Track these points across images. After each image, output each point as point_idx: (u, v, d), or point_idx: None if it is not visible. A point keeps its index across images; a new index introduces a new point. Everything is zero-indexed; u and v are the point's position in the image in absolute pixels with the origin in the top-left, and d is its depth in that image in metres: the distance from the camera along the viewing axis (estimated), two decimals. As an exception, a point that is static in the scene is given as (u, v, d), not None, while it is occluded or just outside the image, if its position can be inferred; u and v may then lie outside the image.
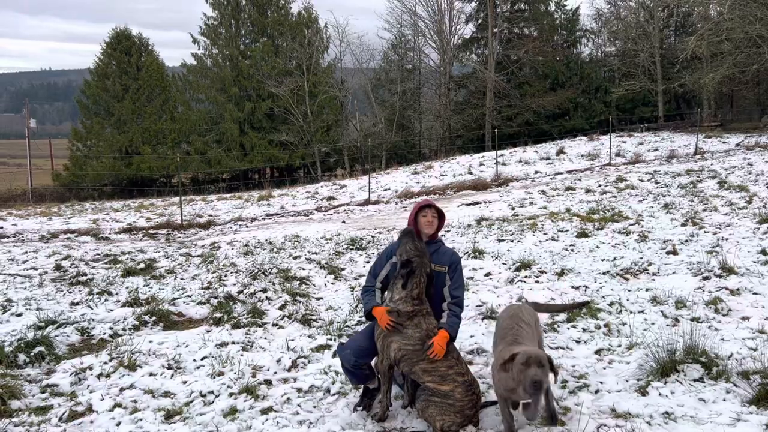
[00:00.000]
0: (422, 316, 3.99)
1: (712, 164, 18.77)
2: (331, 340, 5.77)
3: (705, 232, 9.84)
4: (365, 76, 42.84)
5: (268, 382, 4.86)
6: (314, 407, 4.41)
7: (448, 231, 11.63)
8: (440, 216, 4.33)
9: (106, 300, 7.53)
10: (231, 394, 4.63)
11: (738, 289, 6.50)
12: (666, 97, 38.65)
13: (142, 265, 9.78)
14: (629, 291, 6.88)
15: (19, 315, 6.83)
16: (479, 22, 42.27)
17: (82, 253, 11.25)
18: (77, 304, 7.38)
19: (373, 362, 4.29)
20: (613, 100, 39.27)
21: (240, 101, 41.02)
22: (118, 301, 7.43)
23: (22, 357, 5.41)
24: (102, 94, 40.37)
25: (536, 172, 21.68)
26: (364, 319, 6.33)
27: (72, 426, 4.24)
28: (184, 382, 4.92)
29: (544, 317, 5.94)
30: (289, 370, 5.13)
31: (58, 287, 8.38)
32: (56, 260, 10.37)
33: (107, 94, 40.29)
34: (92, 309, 7.11)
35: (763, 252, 8.11)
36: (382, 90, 43.71)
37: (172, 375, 5.08)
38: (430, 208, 4.28)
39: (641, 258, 8.31)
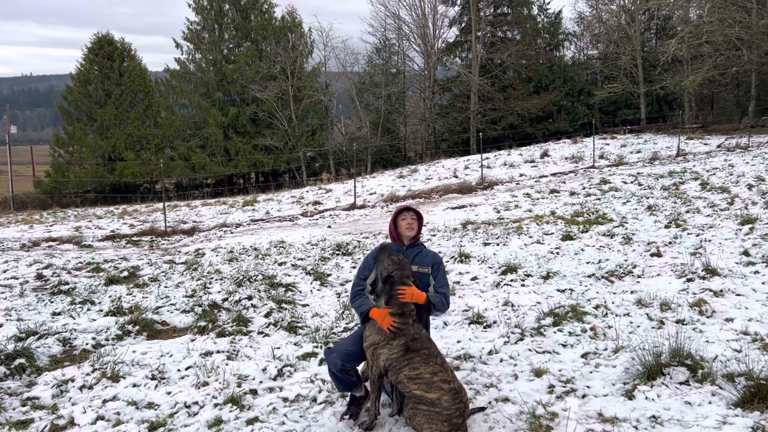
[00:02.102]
0: (409, 325, 3.98)
1: (694, 166, 18.97)
2: (317, 347, 5.71)
3: (688, 233, 9.93)
4: (350, 80, 42.90)
5: (254, 392, 4.80)
6: (301, 417, 4.37)
7: (434, 235, 11.63)
8: (419, 219, 4.39)
9: (88, 309, 7.43)
10: (216, 405, 4.57)
11: (721, 291, 6.56)
12: (648, 100, 39.07)
13: (125, 273, 9.66)
14: (614, 294, 6.91)
15: (-1, 326, 6.72)
16: (463, 25, 42.51)
17: (64, 261, 11.08)
18: (59, 313, 7.27)
19: (360, 369, 4.26)
20: (596, 102, 39.70)
21: (224, 106, 40.86)
22: (101, 311, 7.33)
23: (2, 369, 5.31)
24: (84, 100, 39.92)
25: (521, 175, 21.77)
26: (352, 324, 6.31)
27: (53, 440, 4.16)
28: (168, 393, 4.85)
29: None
30: (275, 379, 5.07)
31: (39, 297, 8.25)
32: (37, 269, 10.20)
33: (89, 99, 39.84)
34: (74, 319, 6.99)
35: (745, 253, 8.19)
36: (367, 94, 43.79)
37: (156, 386, 5.00)
38: (409, 211, 4.37)
39: (626, 260, 8.36)
